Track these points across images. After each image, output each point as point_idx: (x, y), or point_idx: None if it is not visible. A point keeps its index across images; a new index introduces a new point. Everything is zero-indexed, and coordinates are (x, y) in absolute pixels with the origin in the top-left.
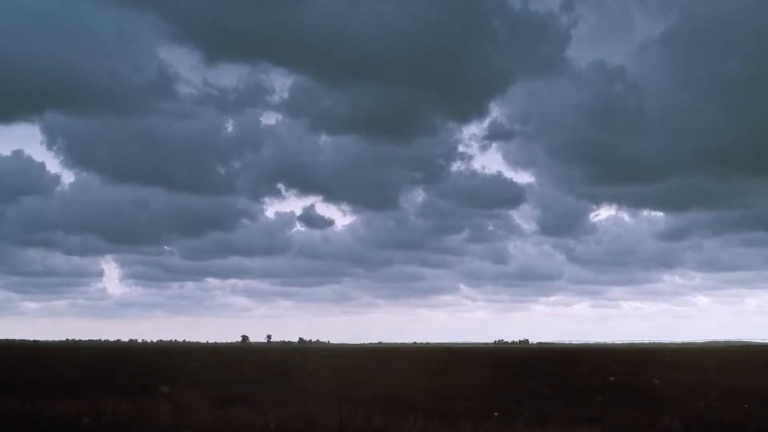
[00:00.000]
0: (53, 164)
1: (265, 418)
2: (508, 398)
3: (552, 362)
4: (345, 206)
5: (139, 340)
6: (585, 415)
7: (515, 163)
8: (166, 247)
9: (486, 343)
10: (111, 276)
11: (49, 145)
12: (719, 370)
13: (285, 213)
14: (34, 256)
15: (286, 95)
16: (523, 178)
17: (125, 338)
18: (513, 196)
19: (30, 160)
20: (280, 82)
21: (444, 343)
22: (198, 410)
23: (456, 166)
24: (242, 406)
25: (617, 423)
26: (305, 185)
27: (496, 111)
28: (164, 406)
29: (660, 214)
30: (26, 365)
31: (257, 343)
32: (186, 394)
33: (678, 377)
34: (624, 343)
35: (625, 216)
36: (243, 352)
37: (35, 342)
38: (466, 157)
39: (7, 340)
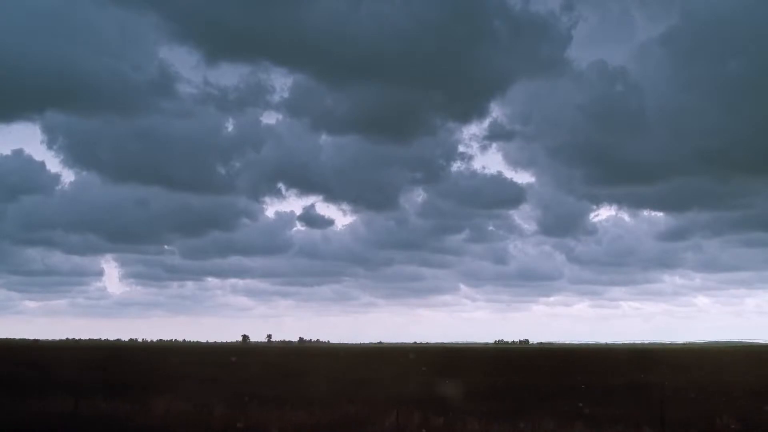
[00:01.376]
0: (53, 163)
1: (316, 417)
2: (545, 397)
3: (575, 363)
4: (345, 206)
5: (139, 340)
6: (638, 415)
7: (515, 163)
8: (166, 246)
9: (486, 343)
10: (111, 275)
11: (50, 144)
12: (730, 370)
13: (285, 213)
14: (34, 255)
15: (286, 95)
16: (523, 178)
17: (125, 338)
18: (513, 196)
19: (30, 159)
20: (281, 82)
21: (444, 344)
22: (249, 411)
23: (456, 166)
24: (282, 405)
25: (677, 421)
26: (305, 185)
27: (496, 111)
28: (217, 406)
29: (660, 214)
30: (73, 366)
31: (258, 342)
32: (227, 394)
33: (696, 378)
34: (624, 343)
35: (626, 216)
36: (258, 352)
37: (35, 341)
38: (467, 157)
39: (7, 339)
